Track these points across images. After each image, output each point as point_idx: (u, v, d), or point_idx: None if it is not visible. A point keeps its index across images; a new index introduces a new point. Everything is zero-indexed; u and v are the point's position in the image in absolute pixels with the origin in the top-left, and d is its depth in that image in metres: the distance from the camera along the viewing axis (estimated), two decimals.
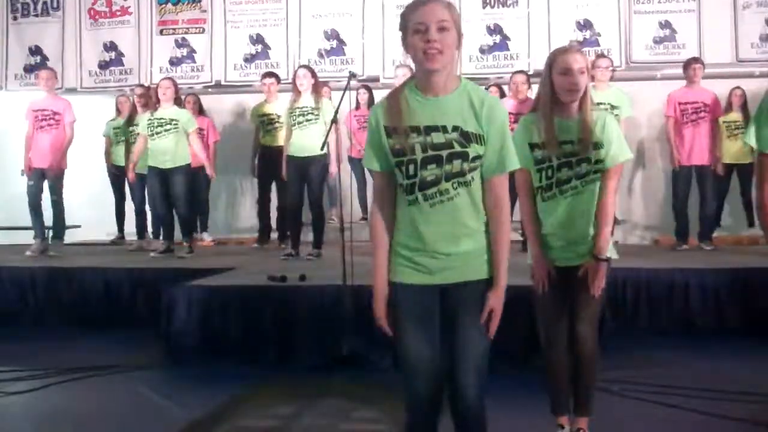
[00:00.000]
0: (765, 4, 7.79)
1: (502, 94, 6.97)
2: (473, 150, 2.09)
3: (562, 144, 2.78)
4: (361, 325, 4.47)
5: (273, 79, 7.15)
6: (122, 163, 7.61)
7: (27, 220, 7.82)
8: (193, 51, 8.77)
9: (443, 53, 2.06)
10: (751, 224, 7.02)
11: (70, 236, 8.48)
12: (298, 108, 6.15)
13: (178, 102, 6.62)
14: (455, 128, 2.09)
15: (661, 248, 7.09)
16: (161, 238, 6.91)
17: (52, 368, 4.41)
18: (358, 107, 7.73)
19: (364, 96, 7.79)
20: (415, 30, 2.08)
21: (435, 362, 2.16)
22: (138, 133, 6.74)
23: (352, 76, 5.80)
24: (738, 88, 7.08)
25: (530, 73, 7.10)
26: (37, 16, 9.08)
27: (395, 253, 2.20)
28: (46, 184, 6.88)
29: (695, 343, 4.80)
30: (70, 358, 4.68)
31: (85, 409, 3.85)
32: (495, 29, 8.21)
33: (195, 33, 8.77)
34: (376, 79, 8.12)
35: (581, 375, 2.89)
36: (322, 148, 5.76)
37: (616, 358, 4.32)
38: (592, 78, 6.08)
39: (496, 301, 2.13)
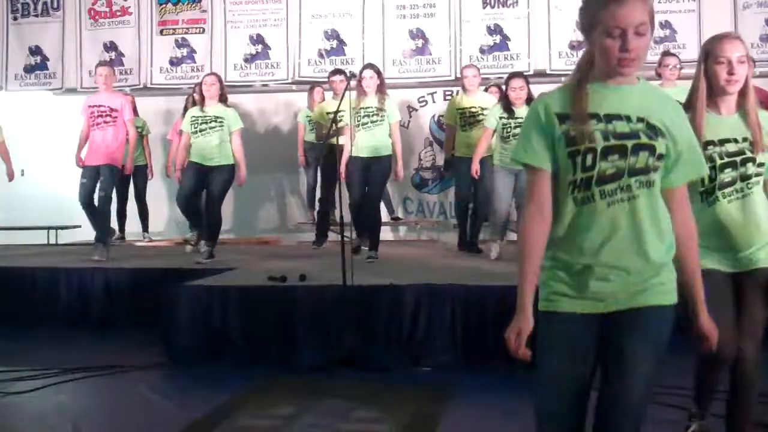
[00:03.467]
0: (765, 4, 7.79)
1: (502, 94, 6.95)
2: (660, 145, 1.84)
3: (723, 142, 2.55)
4: (362, 325, 4.49)
5: (342, 76, 6.83)
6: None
7: (27, 220, 7.84)
8: (193, 51, 8.77)
9: (640, 59, 1.82)
10: None
11: (70, 236, 8.52)
12: (363, 109, 6.03)
13: (224, 99, 6.28)
14: (640, 119, 1.85)
15: None
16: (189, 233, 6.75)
17: (52, 368, 4.41)
18: None
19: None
20: (607, 33, 1.79)
21: (581, 405, 1.89)
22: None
23: (352, 76, 5.81)
24: None
25: (530, 73, 7.11)
26: (37, 16, 9.08)
27: (550, 275, 1.89)
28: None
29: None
30: (70, 358, 4.68)
31: (85, 409, 3.86)
32: (495, 29, 8.21)
33: (195, 33, 8.77)
34: None
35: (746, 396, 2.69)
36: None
37: None
38: (659, 76, 5.93)
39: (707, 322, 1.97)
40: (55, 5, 9.04)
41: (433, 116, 8.32)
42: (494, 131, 5.96)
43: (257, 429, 3.48)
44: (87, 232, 8.46)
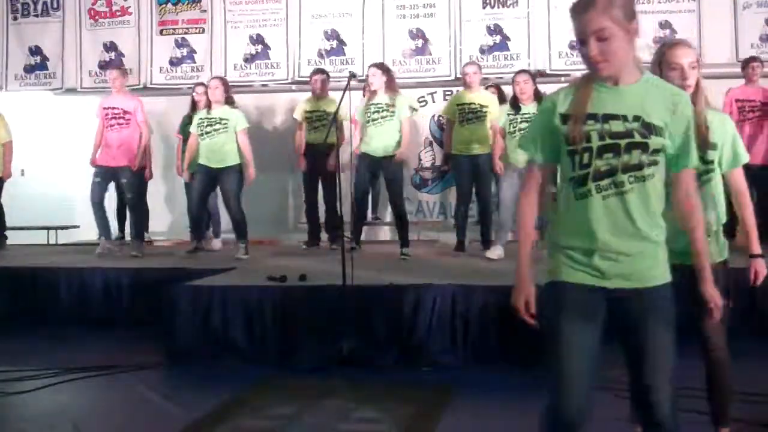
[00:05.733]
0: (765, 4, 7.79)
1: (501, 95, 6.96)
2: (654, 142, 2.00)
3: None
4: (362, 325, 4.48)
5: (324, 75, 7.02)
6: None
7: (27, 220, 7.84)
8: (193, 51, 8.76)
9: (611, 61, 1.98)
10: None
11: (70, 236, 8.52)
12: (373, 105, 6.14)
13: (230, 101, 6.44)
14: (636, 118, 2.00)
15: None
16: (191, 237, 6.85)
17: (52, 368, 4.41)
18: None
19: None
20: (579, 41, 2.02)
21: (591, 368, 2.05)
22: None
23: (352, 76, 5.81)
24: None
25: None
26: (37, 16, 9.07)
27: (560, 255, 2.09)
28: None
29: (695, 343, 4.79)
30: (70, 358, 4.68)
31: (85, 409, 3.86)
32: (495, 29, 8.20)
33: (195, 33, 8.76)
34: None
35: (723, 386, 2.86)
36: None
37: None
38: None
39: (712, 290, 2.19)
40: (55, 5, 9.03)
41: (433, 116, 8.31)
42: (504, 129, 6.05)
43: (257, 429, 3.48)
44: (87, 232, 8.48)
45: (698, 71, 2.70)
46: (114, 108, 6.68)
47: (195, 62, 8.74)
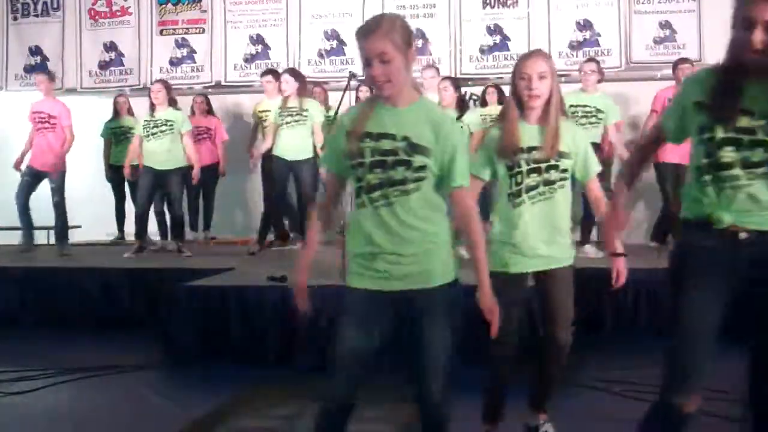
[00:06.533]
0: None
1: (501, 95, 6.95)
2: (417, 161, 2.17)
3: (531, 150, 2.77)
4: None
5: (270, 76, 7.10)
6: (121, 163, 7.59)
7: None
8: (193, 51, 8.77)
9: (391, 81, 2.16)
10: None
11: (70, 236, 8.49)
12: (287, 109, 6.27)
13: (173, 103, 6.68)
14: (404, 138, 2.18)
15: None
16: (135, 237, 6.91)
17: (52, 368, 4.42)
18: None
19: (366, 95, 7.73)
20: (363, 63, 2.19)
21: (365, 358, 2.33)
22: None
23: (352, 76, 5.82)
24: None
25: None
26: (37, 16, 9.09)
27: (351, 260, 2.31)
28: (45, 185, 6.87)
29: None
30: (70, 358, 4.68)
31: (85, 409, 3.86)
32: (495, 29, 8.21)
33: (195, 33, 8.77)
34: None
35: (553, 376, 3.01)
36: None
37: (617, 358, 4.33)
38: (580, 82, 6.10)
39: (488, 301, 2.31)
40: (55, 5, 9.04)
41: None
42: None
43: (257, 429, 3.49)
44: (87, 232, 8.50)
45: (553, 81, 2.75)
46: (41, 112, 6.85)
47: (195, 62, 8.75)
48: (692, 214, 2.14)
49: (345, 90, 5.55)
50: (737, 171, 2.03)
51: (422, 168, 2.18)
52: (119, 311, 5.61)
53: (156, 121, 6.51)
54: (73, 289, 5.76)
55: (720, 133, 2.03)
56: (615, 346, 4.66)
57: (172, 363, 4.57)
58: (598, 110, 6.03)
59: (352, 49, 8.37)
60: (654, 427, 2.18)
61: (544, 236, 2.81)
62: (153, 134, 6.49)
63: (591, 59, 6.56)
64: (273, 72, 7.13)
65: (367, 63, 2.17)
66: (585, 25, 8.07)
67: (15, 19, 9.12)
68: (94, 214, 8.44)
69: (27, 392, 4.06)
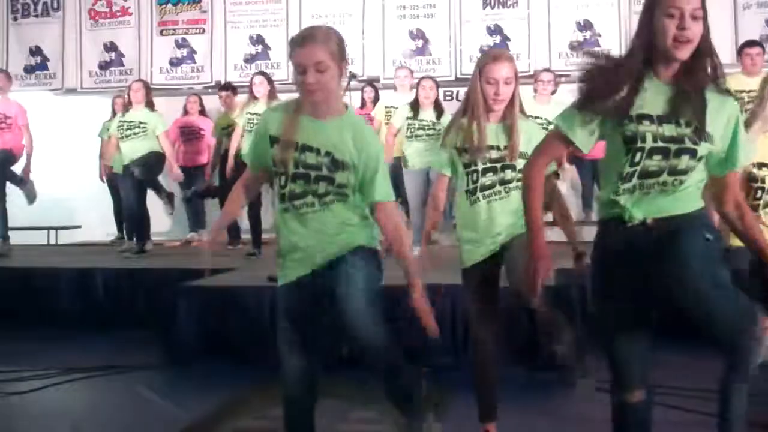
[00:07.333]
0: (765, 4, 7.79)
1: None
2: (339, 177, 2.28)
3: (488, 149, 2.80)
4: None
5: (228, 92, 7.38)
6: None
7: (27, 219, 7.83)
8: (193, 51, 8.77)
9: (321, 91, 2.23)
10: None
11: (70, 236, 8.52)
12: (255, 114, 6.17)
13: (151, 105, 6.55)
14: (327, 153, 2.26)
15: None
16: (134, 238, 6.90)
17: (52, 368, 4.41)
18: (363, 106, 7.65)
19: (370, 94, 7.69)
20: (298, 71, 2.24)
21: (305, 346, 2.62)
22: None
23: (352, 76, 5.81)
24: None
25: (530, 73, 7.10)
26: (37, 16, 9.09)
27: (279, 258, 2.45)
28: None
29: (695, 343, 4.79)
30: (70, 358, 4.68)
31: (85, 409, 3.86)
32: (495, 29, 8.21)
33: (195, 33, 8.77)
34: (376, 80, 8.10)
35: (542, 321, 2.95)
36: None
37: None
38: (534, 90, 6.02)
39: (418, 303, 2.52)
40: (55, 5, 9.04)
41: None
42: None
43: (257, 429, 3.49)
44: (87, 232, 8.51)
45: (516, 84, 2.80)
46: None
47: (195, 63, 8.76)
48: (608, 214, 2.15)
49: (345, 90, 5.54)
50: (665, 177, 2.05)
51: (343, 186, 2.29)
52: (119, 311, 5.61)
53: (129, 123, 6.44)
54: (73, 289, 5.77)
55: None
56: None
57: (172, 363, 4.57)
58: (549, 122, 5.96)
59: (352, 49, 8.37)
60: (620, 425, 2.25)
61: (504, 223, 2.83)
62: (127, 136, 6.43)
63: (546, 69, 6.53)
64: (231, 87, 7.42)
65: (303, 71, 2.21)
66: (585, 25, 8.07)
67: (15, 19, 9.12)
68: (94, 214, 8.45)
69: (27, 392, 4.05)
